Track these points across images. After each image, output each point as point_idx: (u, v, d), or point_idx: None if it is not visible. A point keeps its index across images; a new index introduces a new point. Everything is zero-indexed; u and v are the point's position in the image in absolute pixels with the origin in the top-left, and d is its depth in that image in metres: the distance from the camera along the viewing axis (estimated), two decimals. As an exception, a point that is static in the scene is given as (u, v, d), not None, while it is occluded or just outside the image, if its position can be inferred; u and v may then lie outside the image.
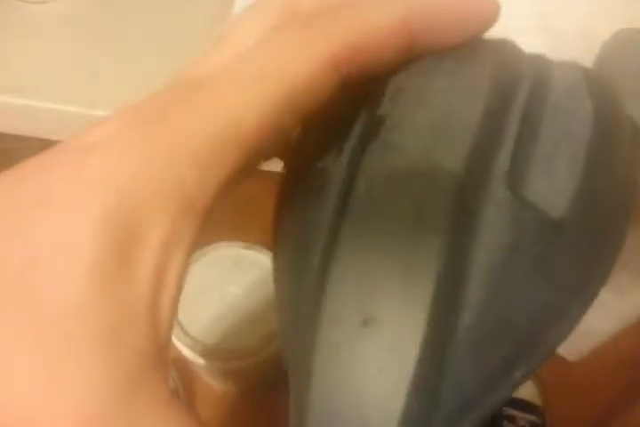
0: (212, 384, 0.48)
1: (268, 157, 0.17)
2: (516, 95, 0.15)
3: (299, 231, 0.16)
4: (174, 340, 0.38)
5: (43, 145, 0.13)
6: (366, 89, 0.15)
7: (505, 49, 0.17)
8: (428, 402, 0.13)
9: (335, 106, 0.15)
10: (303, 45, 0.14)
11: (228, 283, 0.40)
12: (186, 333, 0.38)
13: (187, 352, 0.38)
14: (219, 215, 0.14)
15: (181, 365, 0.45)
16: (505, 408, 0.46)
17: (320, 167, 0.16)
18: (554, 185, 0.14)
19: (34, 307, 0.11)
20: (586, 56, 0.36)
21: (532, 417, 0.47)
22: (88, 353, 0.11)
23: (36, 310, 0.11)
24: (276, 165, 0.18)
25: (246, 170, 0.14)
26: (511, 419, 0.46)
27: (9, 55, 0.41)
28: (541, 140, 0.15)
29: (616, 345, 0.48)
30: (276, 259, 0.17)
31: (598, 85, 0.16)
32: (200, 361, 0.38)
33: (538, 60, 0.17)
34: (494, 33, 0.42)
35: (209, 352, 0.38)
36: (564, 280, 0.14)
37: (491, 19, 0.17)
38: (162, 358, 0.12)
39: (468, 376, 0.13)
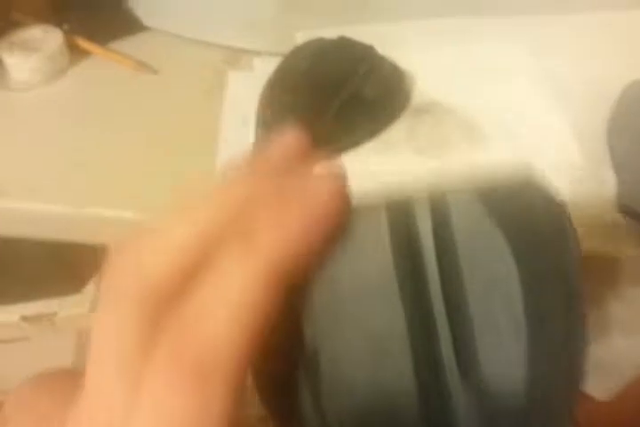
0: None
1: None
2: (423, 258, 0.14)
3: None
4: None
5: None
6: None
7: (380, 213, 0.15)
8: None
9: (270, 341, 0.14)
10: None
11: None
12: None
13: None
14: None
15: None
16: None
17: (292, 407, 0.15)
18: (505, 354, 0.14)
19: None
20: (596, 110, 0.36)
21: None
22: None
23: None
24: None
25: None
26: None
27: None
28: (472, 304, 0.14)
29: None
30: None
31: (508, 213, 0.14)
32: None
33: (433, 206, 0.15)
34: (501, 99, 0.43)
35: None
36: None
37: (340, 206, 0.15)
38: None
39: None
